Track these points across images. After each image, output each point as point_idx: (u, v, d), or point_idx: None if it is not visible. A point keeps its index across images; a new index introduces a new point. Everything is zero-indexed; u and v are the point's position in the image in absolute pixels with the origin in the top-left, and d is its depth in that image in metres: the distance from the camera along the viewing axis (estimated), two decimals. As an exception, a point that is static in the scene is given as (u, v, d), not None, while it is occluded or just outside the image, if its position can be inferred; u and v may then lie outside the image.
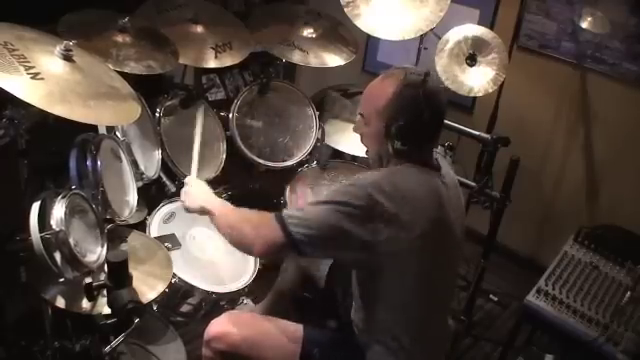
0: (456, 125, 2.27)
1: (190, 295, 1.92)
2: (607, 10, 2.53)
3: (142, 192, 1.99)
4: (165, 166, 2.18)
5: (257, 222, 1.50)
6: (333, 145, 2.58)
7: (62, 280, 1.47)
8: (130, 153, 1.98)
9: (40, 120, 1.59)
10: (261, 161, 2.44)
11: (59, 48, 1.51)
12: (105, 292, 1.39)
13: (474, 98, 2.94)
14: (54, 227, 1.44)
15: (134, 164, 1.99)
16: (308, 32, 2.64)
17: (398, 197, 1.39)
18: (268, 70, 2.63)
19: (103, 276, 1.45)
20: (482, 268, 2.36)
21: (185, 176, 2.20)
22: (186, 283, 1.86)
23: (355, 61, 2.69)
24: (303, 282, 1.92)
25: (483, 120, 2.76)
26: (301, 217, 1.41)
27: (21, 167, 1.67)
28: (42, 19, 1.73)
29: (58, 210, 1.46)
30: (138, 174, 2.00)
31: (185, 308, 1.96)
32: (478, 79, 2.53)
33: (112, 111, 1.58)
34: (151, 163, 2.13)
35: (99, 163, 1.68)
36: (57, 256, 1.45)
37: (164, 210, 2.10)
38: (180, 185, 2.22)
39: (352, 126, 2.58)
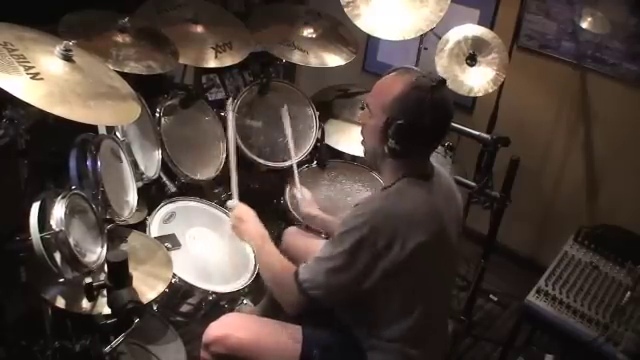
0: (456, 125, 2.26)
1: (190, 295, 1.92)
2: (607, 10, 2.53)
3: (142, 192, 1.99)
4: (165, 166, 2.18)
5: (281, 285, 1.56)
6: (333, 145, 2.58)
7: (62, 280, 1.47)
8: (130, 153, 1.98)
9: (40, 120, 1.59)
10: (261, 161, 2.44)
11: (59, 48, 1.51)
12: (105, 292, 1.39)
13: (474, 98, 2.94)
14: (54, 227, 1.44)
15: (134, 164, 1.99)
16: (308, 32, 2.64)
17: (392, 226, 1.40)
18: (268, 70, 2.63)
19: (103, 276, 1.45)
20: (482, 268, 2.36)
21: (185, 175, 2.22)
22: (186, 283, 1.86)
23: (355, 61, 2.69)
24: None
25: (483, 120, 2.76)
26: (314, 279, 1.47)
27: (21, 167, 1.67)
28: (42, 19, 1.73)
29: (58, 210, 1.46)
30: (138, 174, 2.00)
31: (185, 308, 1.96)
32: (478, 79, 2.53)
33: (112, 111, 1.58)
34: (151, 163, 2.13)
35: (99, 163, 1.68)
36: (57, 256, 1.45)
37: (164, 210, 2.10)
38: (180, 185, 2.23)
39: (352, 126, 2.66)
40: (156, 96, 2.25)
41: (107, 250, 1.60)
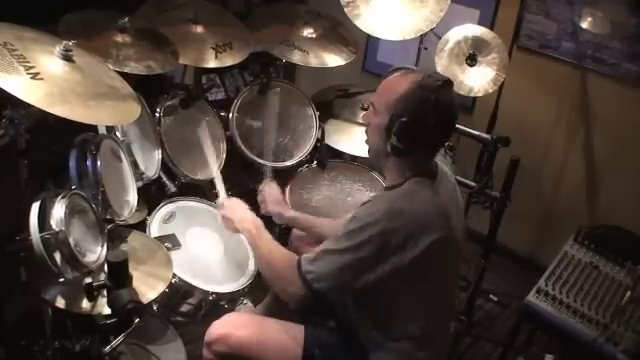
0: (456, 125, 2.26)
1: (190, 295, 1.92)
2: (607, 10, 2.54)
3: (142, 192, 1.99)
4: (165, 166, 2.18)
5: (282, 273, 1.54)
6: (333, 145, 2.58)
7: (62, 280, 1.47)
8: (130, 153, 1.98)
9: (40, 120, 1.59)
10: (261, 161, 2.44)
11: (59, 48, 1.51)
12: (105, 292, 1.39)
13: (474, 98, 2.94)
14: (54, 227, 1.44)
15: (134, 164, 1.99)
16: (308, 32, 2.64)
17: (405, 226, 1.40)
18: (268, 70, 2.63)
19: (103, 276, 1.45)
20: (482, 268, 2.36)
21: (185, 175, 2.22)
22: (186, 283, 1.86)
23: (355, 61, 2.69)
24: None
25: (483, 120, 2.76)
26: (320, 271, 1.45)
27: (21, 167, 1.67)
28: (42, 19, 1.73)
29: (58, 210, 1.45)
30: (138, 174, 2.00)
31: (185, 308, 1.96)
32: (478, 79, 2.53)
33: (112, 111, 1.58)
34: (151, 163, 2.13)
35: (99, 163, 1.68)
36: (57, 256, 1.45)
37: (164, 210, 2.10)
38: (180, 185, 2.23)
39: (352, 126, 2.65)
40: (156, 96, 2.25)
41: (107, 250, 1.60)
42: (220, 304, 1.97)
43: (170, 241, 1.96)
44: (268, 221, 2.21)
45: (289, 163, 2.48)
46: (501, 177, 2.21)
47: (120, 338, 1.38)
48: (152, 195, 2.17)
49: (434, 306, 1.52)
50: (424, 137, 1.46)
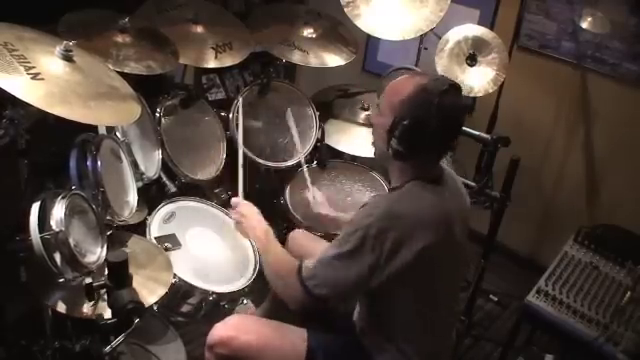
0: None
1: (190, 295, 1.92)
2: (607, 10, 2.53)
3: (142, 192, 1.99)
4: (165, 166, 2.18)
5: (284, 278, 1.55)
6: (333, 145, 2.58)
7: (62, 280, 1.47)
8: (130, 153, 1.98)
9: (40, 120, 1.59)
10: (261, 161, 2.44)
11: (59, 48, 1.51)
12: (105, 292, 1.39)
13: (474, 98, 2.94)
14: (54, 227, 1.44)
15: (134, 164, 1.99)
16: (308, 32, 2.64)
17: (400, 228, 1.39)
18: (268, 70, 2.63)
19: (103, 277, 1.44)
20: (482, 268, 2.36)
21: (185, 175, 2.22)
22: (186, 283, 1.86)
23: (355, 61, 2.69)
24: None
25: (483, 120, 2.76)
26: (319, 277, 1.46)
27: (21, 167, 1.68)
28: (42, 19, 1.73)
29: (58, 210, 1.45)
30: (138, 174, 2.00)
31: (185, 308, 1.96)
32: (478, 79, 2.53)
33: (112, 111, 1.58)
34: (151, 163, 2.13)
35: (99, 163, 1.68)
36: (57, 256, 1.45)
37: (164, 210, 2.10)
38: (180, 185, 2.23)
39: (352, 126, 2.65)
40: (156, 96, 2.25)
41: (107, 250, 1.60)
42: (220, 304, 1.97)
43: (170, 241, 1.96)
44: (268, 222, 2.22)
45: (289, 163, 2.48)
46: (501, 177, 2.21)
47: (120, 338, 1.38)
48: (152, 195, 2.17)
49: (435, 309, 1.52)
50: (426, 141, 1.44)
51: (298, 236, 2.08)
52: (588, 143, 2.82)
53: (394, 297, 1.47)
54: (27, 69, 1.39)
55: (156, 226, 2.02)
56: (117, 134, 1.96)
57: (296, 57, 2.54)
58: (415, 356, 1.50)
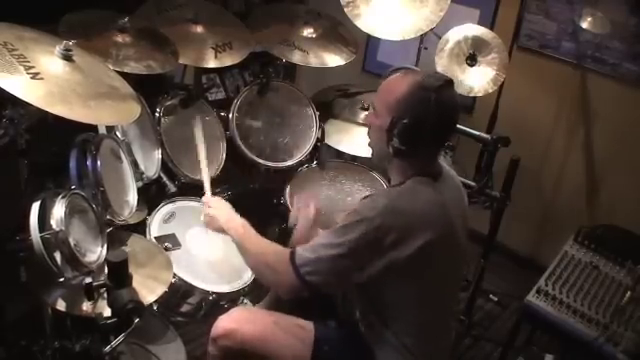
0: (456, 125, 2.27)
1: (190, 295, 1.92)
2: (607, 10, 2.53)
3: (142, 192, 1.98)
4: (165, 166, 2.18)
5: (274, 265, 1.54)
6: (333, 145, 2.58)
7: (62, 280, 1.47)
8: (130, 153, 1.98)
9: (40, 120, 1.59)
10: (261, 161, 2.44)
11: (59, 48, 1.51)
12: (105, 292, 1.39)
13: (474, 98, 2.94)
14: (54, 227, 1.44)
15: (134, 164, 1.98)
16: (308, 32, 2.64)
17: (402, 223, 1.40)
18: (268, 70, 2.63)
19: (103, 276, 1.44)
20: (482, 268, 2.36)
21: (185, 175, 2.22)
22: (186, 283, 1.86)
23: (355, 61, 2.69)
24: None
25: (483, 120, 2.76)
26: (313, 264, 1.45)
27: (21, 167, 1.68)
28: (42, 19, 1.73)
29: (58, 210, 1.46)
30: (138, 174, 2.00)
31: (185, 308, 1.96)
32: (478, 79, 2.53)
33: (112, 111, 1.58)
34: (151, 163, 2.13)
35: (99, 163, 1.68)
36: (57, 256, 1.45)
37: (164, 210, 2.10)
38: (180, 185, 2.23)
39: (352, 126, 2.65)
40: (156, 96, 2.25)
41: (107, 250, 1.60)
42: (220, 304, 1.97)
43: (170, 241, 1.96)
44: (268, 221, 2.22)
45: (289, 163, 2.48)
46: (501, 177, 2.22)
47: (120, 338, 1.38)
48: (152, 195, 2.17)
49: (433, 305, 1.52)
50: (426, 138, 1.45)
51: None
52: (588, 143, 2.82)
53: (393, 292, 1.47)
54: (27, 69, 1.39)
55: (156, 226, 2.02)
56: (117, 134, 1.95)
57: (296, 57, 2.53)
58: (417, 351, 1.50)
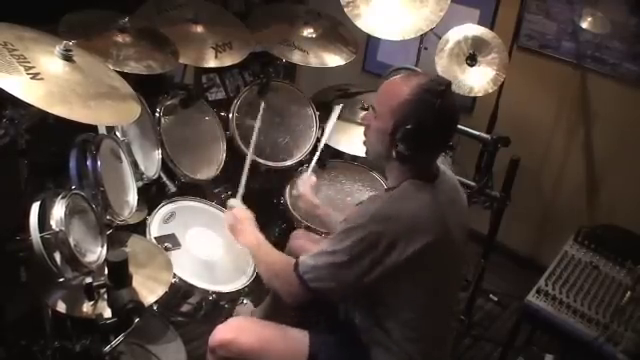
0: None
1: (190, 295, 1.92)
2: (607, 10, 2.53)
3: (142, 192, 1.99)
4: (165, 166, 2.18)
5: (281, 274, 1.55)
6: (333, 145, 2.58)
7: (62, 280, 1.47)
8: (130, 153, 1.98)
9: (40, 120, 1.59)
10: (261, 161, 2.44)
11: (59, 48, 1.51)
12: (105, 292, 1.39)
13: (474, 98, 2.94)
14: (54, 227, 1.44)
15: (134, 164, 1.99)
16: (308, 32, 2.64)
17: (393, 229, 1.40)
18: (268, 70, 2.63)
19: (103, 276, 1.44)
20: (482, 268, 2.36)
21: (185, 175, 2.22)
22: (186, 283, 1.86)
23: (355, 61, 2.69)
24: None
25: (483, 120, 2.76)
26: (315, 271, 1.47)
27: (21, 167, 1.68)
28: (42, 19, 1.73)
29: (58, 210, 1.46)
30: (138, 174, 2.00)
31: (185, 308, 1.96)
32: (478, 79, 2.53)
33: (112, 111, 1.58)
34: (151, 163, 2.13)
35: (99, 163, 1.68)
36: (57, 256, 1.45)
37: (164, 210, 2.10)
38: (180, 185, 2.23)
39: (352, 126, 2.65)
40: (156, 96, 2.25)
41: (107, 250, 1.60)
42: (220, 304, 1.97)
43: (170, 241, 1.96)
44: (268, 222, 2.22)
45: (289, 163, 2.48)
46: (501, 177, 2.22)
47: (120, 338, 1.38)
48: (152, 195, 2.17)
49: (432, 308, 1.51)
50: (429, 142, 1.46)
51: (299, 236, 2.08)
52: (588, 143, 2.82)
53: (393, 296, 1.47)
54: (27, 69, 1.39)
55: (156, 226, 2.02)
56: (117, 134, 1.96)
57: (296, 57, 2.54)
58: (413, 353, 1.50)
